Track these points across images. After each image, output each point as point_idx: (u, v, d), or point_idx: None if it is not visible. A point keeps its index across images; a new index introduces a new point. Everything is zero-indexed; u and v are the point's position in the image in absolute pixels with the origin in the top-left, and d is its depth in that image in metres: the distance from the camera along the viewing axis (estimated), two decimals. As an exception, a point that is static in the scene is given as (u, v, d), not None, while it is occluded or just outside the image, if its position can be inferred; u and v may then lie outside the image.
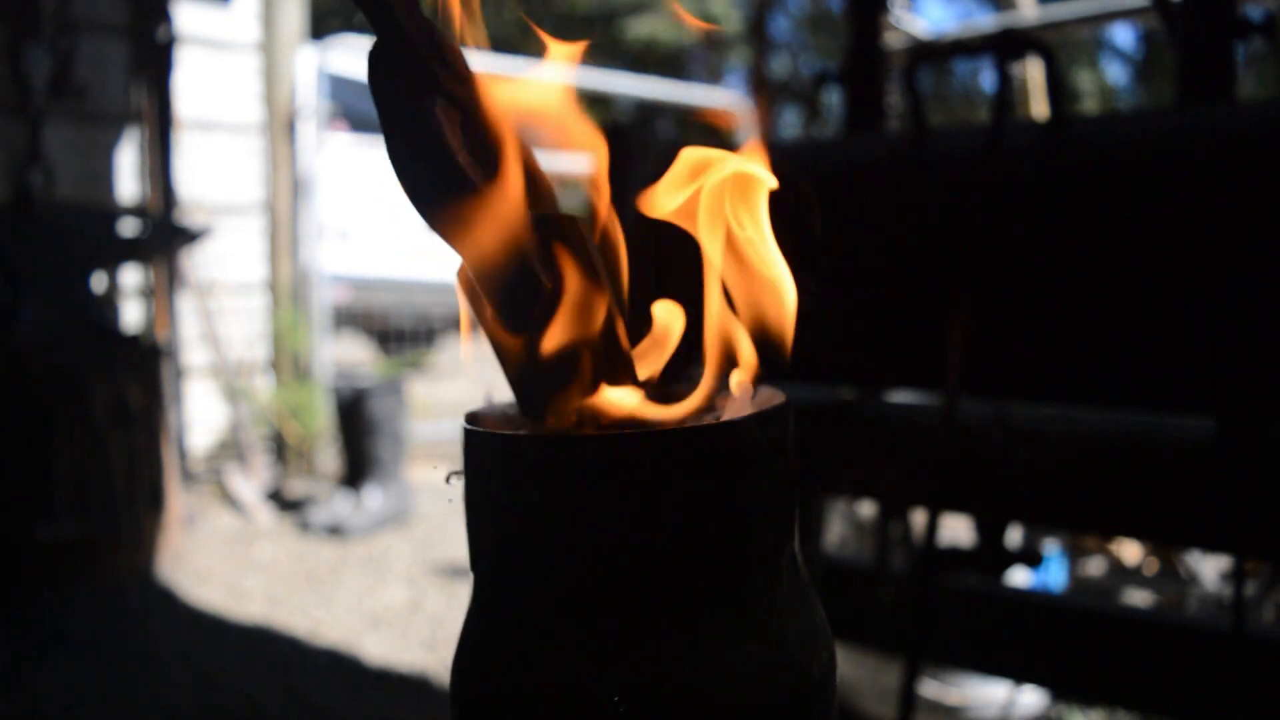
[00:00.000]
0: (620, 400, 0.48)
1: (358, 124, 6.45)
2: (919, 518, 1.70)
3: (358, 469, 3.91)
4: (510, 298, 0.48)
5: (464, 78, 0.49)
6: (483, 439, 0.47)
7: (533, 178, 0.49)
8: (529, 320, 0.47)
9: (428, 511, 4.05)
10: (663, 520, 0.44)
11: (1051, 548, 2.49)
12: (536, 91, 0.51)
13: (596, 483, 0.44)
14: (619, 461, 0.44)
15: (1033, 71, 3.60)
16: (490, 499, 0.48)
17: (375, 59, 0.47)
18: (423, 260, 7.00)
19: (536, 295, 0.47)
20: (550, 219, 0.48)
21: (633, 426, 0.48)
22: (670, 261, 0.54)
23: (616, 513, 0.44)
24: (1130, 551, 2.68)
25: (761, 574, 0.47)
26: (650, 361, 0.54)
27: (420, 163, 0.47)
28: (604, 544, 0.44)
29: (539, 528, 0.45)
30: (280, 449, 4.53)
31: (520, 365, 0.48)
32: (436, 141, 0.46)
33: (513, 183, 0.48)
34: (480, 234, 0.46)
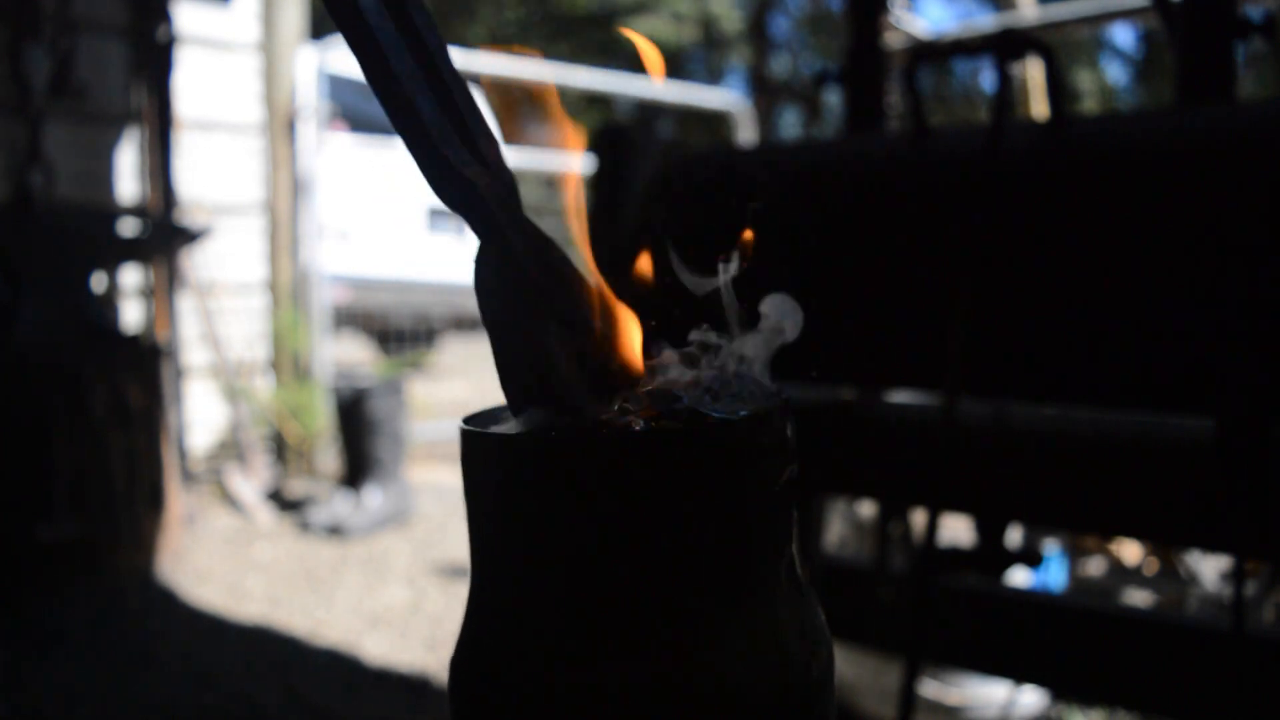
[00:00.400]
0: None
1: (358, 124, 6.45)
2: (919, 518, 1.70)
3: (358, 469, 3.91)
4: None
5: (569, 287, 0.48)
6: (479, 439, 0.47)
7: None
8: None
9: (428, 511, 4.05)
10: (661, 520, 0.44)
11: (1051, 548, 2.48)
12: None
13: (594, 482, 0.44)
14: (617, 461, 0.44)
15: (1033, 71, 3.60)
16: (488, 499, 0.48)
17: (481, 271, 0.46)
18: (423, 260, 7.00)
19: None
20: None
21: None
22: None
23: (614, 512, 0.44)
24: (1130, 551, 2.68)
25: (760, 574, 0.47)
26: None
27: (537, 399, 0.46)
28: (601, 543, 0.44)
29: (536, 527, 0.45)
30: (280, 449, 4.53)
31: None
32: (555, 377, 0.45)
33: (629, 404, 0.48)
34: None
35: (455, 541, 3.64)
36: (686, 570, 0.44)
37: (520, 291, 0.46)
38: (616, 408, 0.47)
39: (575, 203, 0.51)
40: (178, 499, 3.39)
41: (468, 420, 0.50)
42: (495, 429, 0.49)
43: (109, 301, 3.99)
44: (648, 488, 0.44)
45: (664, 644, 0.44)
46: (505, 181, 0.47)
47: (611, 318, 0.49)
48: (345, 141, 6.19)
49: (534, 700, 0.45)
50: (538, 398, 0.46)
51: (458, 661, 0.49)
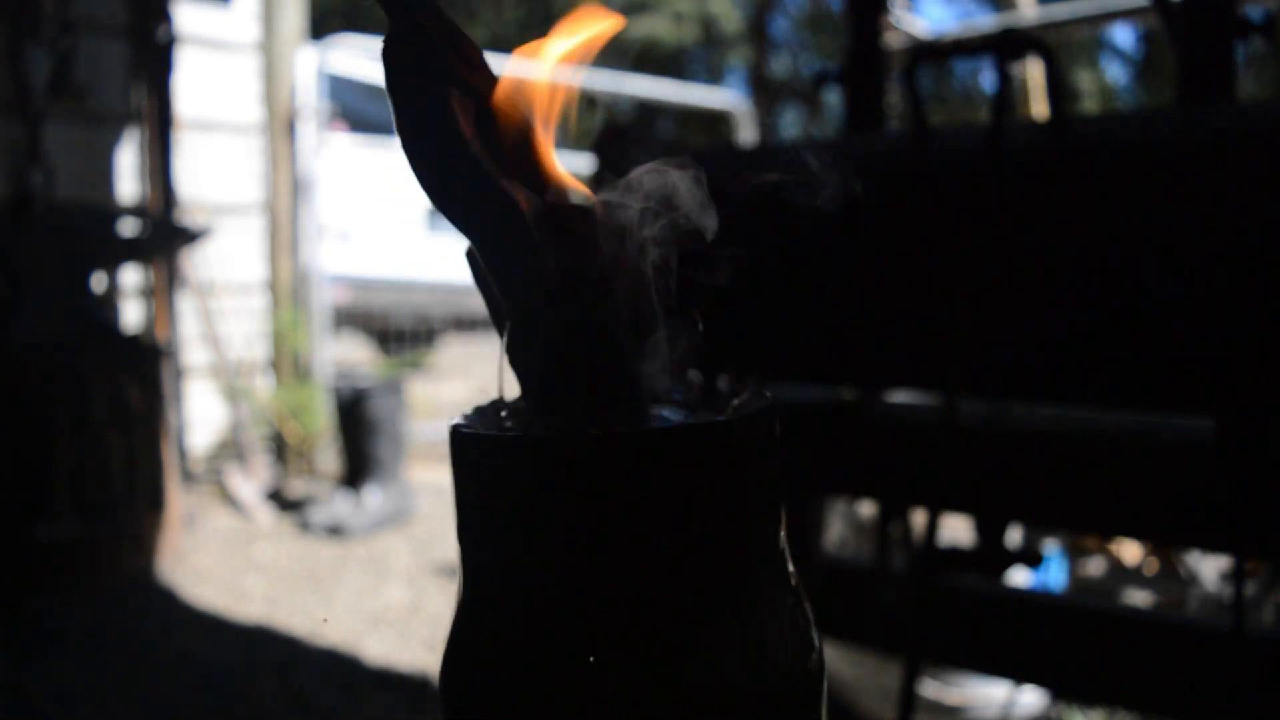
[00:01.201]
0: None
1: (358, 124, 6.45)
2: (919, 518, 1.70)
3: (358, 469, 3.92)
4: (514, 283, 0.48)
5: (479, 69, 0.49)
6: (467, 438, 0.47)
7: (544, 169, 0.50)
8: (530, 304, 0.48)
9: (428, 511, 4.05)
10: (650, 520, 0.44)
11: (1051, 548, 2.49)
12: (545, 88, 0.51)
13: (583, 483, 0.44)
14: (602, 462, 0.44)
15: (1033, 71, 3.60)
16: (475, 498, 0.48)
17: (390, 48, 0.47)
18: (423, 260, 7.01)
19: (540, 280, 0.47)
20: (559, 207, 0.48)
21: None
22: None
23: (603, 513, 0.44)
24: (1130, 551, 2.68)
25: (749, 574, 0.47)
26: None
27: (434, 151, 0.47)
28: (590, 544, 0.44)
29: (524, 528, 0.45)
30: (280, 449, 4.53)
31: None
32: (451, 130, 0.46)
33: (524, 171, 0.48)
34: (490, 220, 0.46)
35: (455, 541, 3.64)
36: (677, 571, 0.44)
37: (426, 61, 0.47)
38: (520, 185, 0.48)
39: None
40: (178, 499, 3.39)
41: (457, 419, 0.50)
42: (486, 429, 0.49)
43: (109, 301, 4.00)
44: (638, 488, 0.44)
45: (654, 644, 0.44)
46: None
47: (521, 116, 0.49)
48: (345, 141, 6.19)
49: (523, 701, 0.45)
50: (437, 155, 0.47)
51: (448, 661, 0.49)
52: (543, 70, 0.51)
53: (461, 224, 0.48)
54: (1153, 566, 2.62)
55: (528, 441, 0.45)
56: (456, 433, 0.47)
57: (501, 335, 0.51)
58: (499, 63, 0.51)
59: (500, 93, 0.49)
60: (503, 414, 0.53)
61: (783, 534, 0.50)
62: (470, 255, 0.50)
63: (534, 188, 0.48)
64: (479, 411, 0.53)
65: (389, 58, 0.47)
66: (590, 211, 0.48)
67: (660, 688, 0.44)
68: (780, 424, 0.49)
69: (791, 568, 0.50)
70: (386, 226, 6.77)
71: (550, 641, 0.45)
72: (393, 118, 0.47)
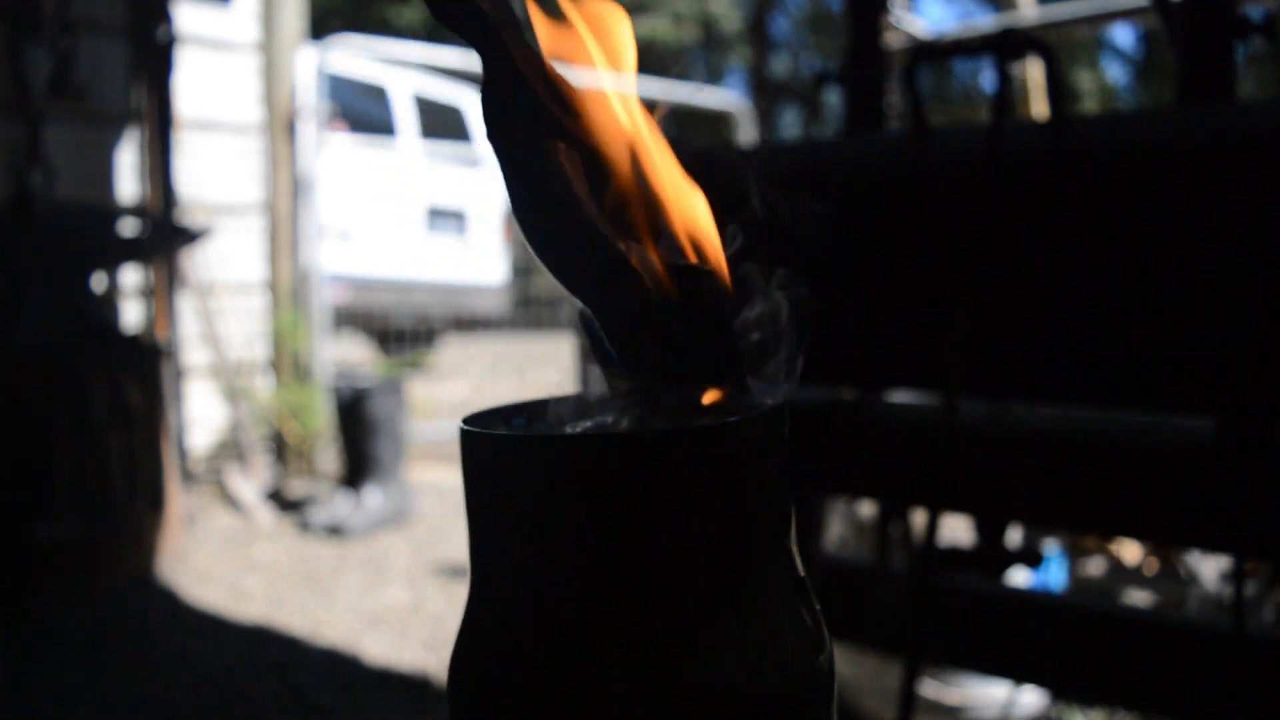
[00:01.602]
0: None
1: (358, 124, 6.45)
2: (919, 518, 1.70)
3: (358, 469, 3.91)
4: (636, 348, 0.47)
5: (579, 113, 0.47)
6: (477, 439, 0.47)
7: (659, 218, 0.48)
8: (653, 370, 0.46)
9: (428, 511, 4.05)
10: (660, 520, 0.44)
11: (1051, 548, 2.48)
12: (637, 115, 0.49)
13: (593, 483, 0.44)
14: (611, 462, 0.44)
15: (1033, 71, 3.60)
16: (487, 499, 0.48)
17: (489, 97, 0.45)
18: (423, 260, 7.01)
19: (664, 346, 0.46)
20: (689, 270, 0.47)
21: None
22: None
23: (613, 513, 0.44)
24: (1130, 551, 2.68)
25: (758, 574, 0.47)
26: None
27: (549, 216, 0.45)
28: (600, 544, 0.44)
29: (535, 527, 0.45)
30: (280, 449, 4.53)
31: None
32: (564, 192, 0.44)
33: (643, 232, 0.46)
34: (613, 290, 0.45)
35: (455, 541, 3.64)
36: (686, 571, 0.44)
37: (531, 110, 0.45)
38: (631, 246, 0.46)
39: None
40: (178, 499, 3.39)
41: (468, 420, 0.50)
42: (495, 430, 0.49)
43: (109, 301, 3.99)
44: (647, 488, 0.44)
45: (663, 644, 0.44)
46: (507, 7, 0.45)
47: (624, 160, 0.47)
48: (345, 141, 6.19)
49: (532, 701, 0.45)
50: (549, 216, 0.45)
51: (457, 661, 0.49)
52: (624, 99, 0.49)
53: (574, 285, 0.47)
54: (1153, 566, 2.62)
55: (537, 441, 0.45)
56: (467, 433, 0.47)
57: (611, 386, 0.49)
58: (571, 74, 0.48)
59: (605, 139, 0.47)
60: (519, 415, 0.53)
61: (791, 534, 0.50)
62: (584, 317, 0.49)
63: (651, 239, 0.47)
64: (491, 413, 0.53)
65: (489, 108, 0.45)
66: (709, 273, 0.46)
67: (668, 687, 0.44)
68: (788, 425, 0.49)
69: (800, 568, 0.50)
70: (386, 226, 6.77)
71: (559, 641, 0.45)
72: (500, 173, 0.45)
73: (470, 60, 3.96)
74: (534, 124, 0.45)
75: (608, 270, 0.45)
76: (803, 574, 0.50)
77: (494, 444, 0.46)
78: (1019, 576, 2.06)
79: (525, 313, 7.54)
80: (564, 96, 0.46)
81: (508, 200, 0.46)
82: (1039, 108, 3.66)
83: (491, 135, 0.45)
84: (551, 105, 0.45)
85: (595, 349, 0.49)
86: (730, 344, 0.47)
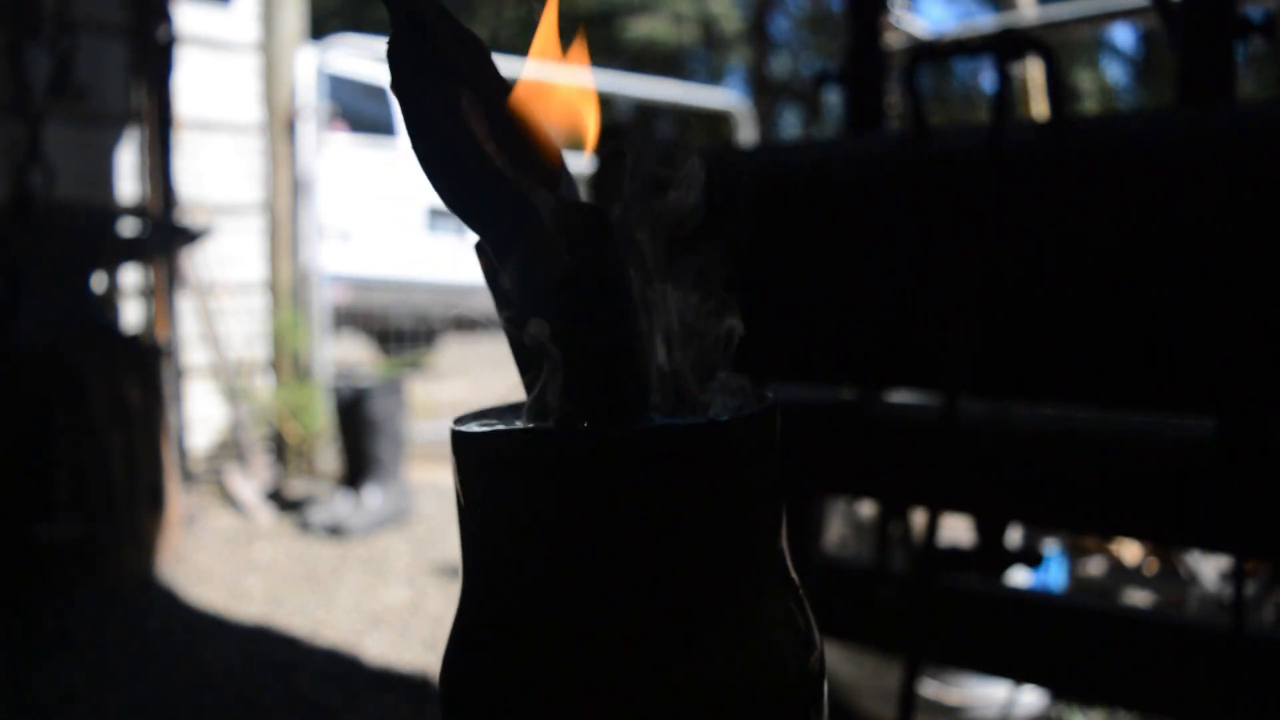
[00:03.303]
0: None
1: (358, 124, 6.45)
2: (919, 518, 1.70)
3: (358, 469, 3.92)
4: (528, 280, 0.48)
5: (485, 68, 0.49)
6: (467, 439, 0.47)
7: (554, 169, 0.50)
8: (544, 301, 0.47)
9: (428, 511, 4.05)
10: (650, 520, 0.44)
11: (1051, 548, 2.49)
12: (558, 91, 0.51)
13: (584, 483, 0.44)
14: (602, 462, 0.44)
15: (1033, 71, 3.60)
16: (476, 498, 0.48)
17: (395, 49, 0.46)
18: (423, 260, 7.01)
19: (555, 277, 0.47)
20: (572, 206, 0.48)
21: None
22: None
23: (604, 513, 0.44)
24: (1130, 551, 2.68)
25: (749, 574, 0.47)
26: None
27: (445, 153, 0.46)
28: (591, 544, 0.44)
29: (525, 527, 0.45)
30: (280, 449, 4.53)
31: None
32: (463, 131, 0.45)
33: (536, 170, 0.47)
34: (505, 219, 0.46)
35: (455, 541, 3.63)
36: (677, 570, 0.44)
37: (433, 62, 0.46)
38: (535, 187, 0.47)
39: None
40: (178, 499, 3.39)
41: (458, 420, 0.50)
42: (487, 429, 0.49)
43: (109, 301, 4.00)
44: (637, 488, 0.44)
45: (653, 644, 0.44)
46: None
47: (529, 115, 0.49)
48: (345, 141, 6.19)
49: (523, 701, 0.45)
50: (449, 156, 0.46)
51: (448, 662, 0.49)
52: (549, 70, 0.51)
53: (474, 223, 0.48)
54: (1153, 566, 2.62)
55: (528, 442, 0.45)
56: (457, 433, 0.47)
57: (509, 332, 0.50)
58: (501, 61, 0.50)
59: (511, 94, 0.49)
60: (512, 415, 0.53)
61: (783, 535, 0.50)
62: (480, 250, 0.50)
63: (546, 186, 0.48)
64: (483, 413, 0.53)
65: (394, 59, 0.46)
66: (603, 211, 0.47)
67: (658, 687, 0.44)
68: (781, 424, 0.49)
69: (791, 568, 0.50)
70: (386, 226, 6.77)
71: (549, 641, 0.45)
72: (401, 119, 0.47)
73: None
74: (435, 73, 0.46)
75: (501, 202, 0.46)
76: (794, 574, 0.50)
77: (484, 444, 0.46)
78: (1019, 576, 2.06)
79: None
80: (469, 49, 0.48)
81: (411, 148, 0.47)
82: (1039, 108, 3.66)
83: (394, 86, 0.47)
84: (455, 56, 0.47)
85: (490, 281, 0.50)
86: (629, 297, 0.48)
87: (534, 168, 0.49)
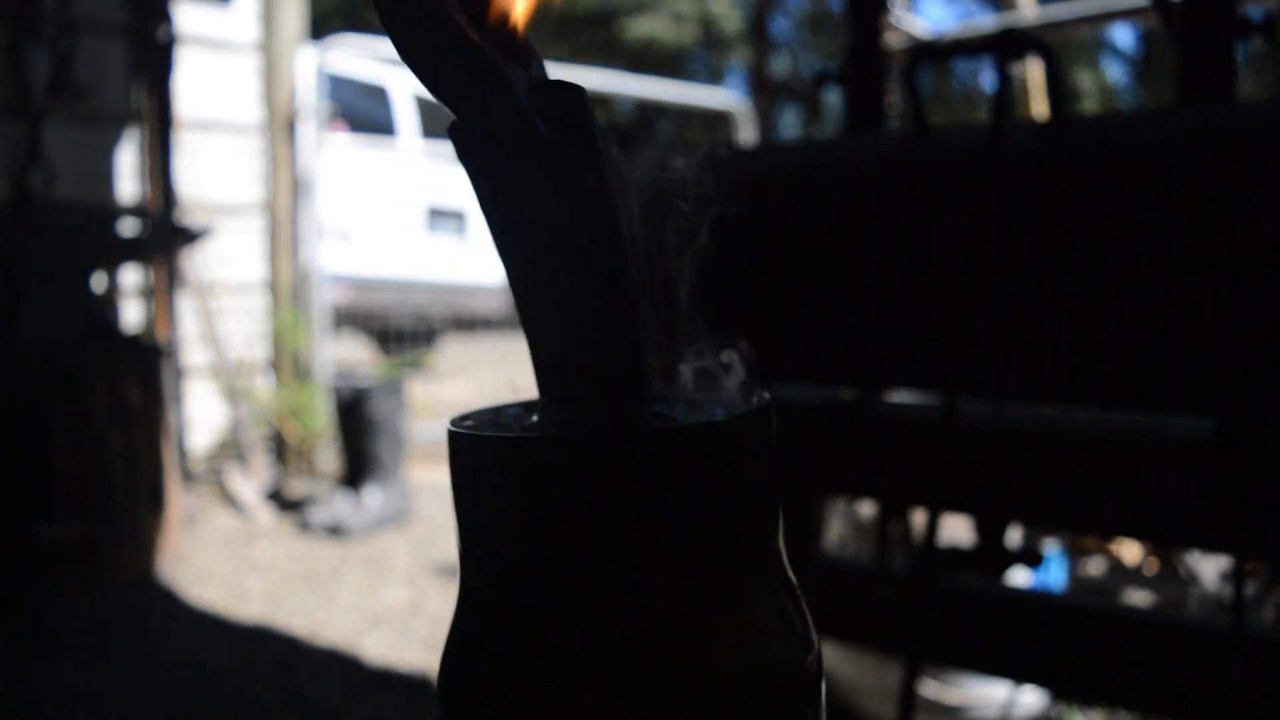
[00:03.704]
0: None
1: (358, 124, 6.45)
2: (919, 518, 1.70)
3: (358, 469, 3.91)
4: (503, 154, 0.47)
5: None
6: (464, 440, 0.47)
7: (526, 52, 0.49)
8: (521, 168, 0.47)
9: (428, 511, 4.05)
10: (646, 521, 0.44)
11: (1051, 548, 2.49)
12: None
13: (580, 484, 0.44)
14: (603, 463, 0.44)
15: (1033, 71, 3.60)
16: (473, 499, 0.48)
17: None
18: (423, 260, 7.01)
19: (531, 148, 0.46)
20: (550, 83, 0.47)
21: None
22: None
23: (600, 514, 0.44)
24: (1130, 551, 2.68)
25: (746, 574, 0.47)
26: None
27: (419, 28, 0.46)
28: (587, 545, 0.44)
29: (521, 528, 0.45)
30: (280, 449, 4.53)
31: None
32: (439, 14, 0.45)
33: (508, 52, 0.47)
34: (480, 93, 0.46)
35: (455, 542, 3.64)
36: (673, 571, 0.44)
37: None
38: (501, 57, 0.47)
39: None
40: (178, 499, 3.39)
41: (455, 421, 0.50)
42: (482, 431, 0.49)
43: (109, 301, 3.99)
44: (633, 488, 0.44)
45: (651, 645, 0.44)
46: None
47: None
48: (345, 141, 6.19)
49: (521, 702, 0.45)
50: (427, 36, 0.46)
51: (446, 663, 0.49)
52: None
53: (449, 98, 0.47)
54: (1153, 566, 2.62)
55: (524, 443, 0.45)
56: (454, 434, 0.47)
57: (490, 233, 0.50)
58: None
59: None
60: (509, 415, 0.53)
61: (779, 535, 0.50)
62: (454, 130, 0.49)
63: (521, 65, 0.48)
64: (481, 413, 0.53)
65: None
66: (580, 89, 0.47)
67: (656, 687, 0.44)
68: (778, 424, 0.49)
69: (789, 568, 0.50)
70: (386, 226, 6.77)
71: (546, 642, 0.45)
72: (378, 5, 0.46)
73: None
74: None
75: (476, 77, 0.46)
76: (791, 574, 0.50)
77: (480, 445, 0.46)
78: (1019, 576, 2.06)
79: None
80: None
81: (390, 35, 0.47)
82: (1039, 108, 3.66)
83: None
84: None
85: (464, 160, 0.49)
86: (603, 175, 0.48)
87: (506, 47, 0.48)
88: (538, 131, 0.46)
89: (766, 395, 0.50)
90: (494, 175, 0.48)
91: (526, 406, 0.54)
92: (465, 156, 0.48)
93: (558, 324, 0.48)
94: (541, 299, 0.49)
